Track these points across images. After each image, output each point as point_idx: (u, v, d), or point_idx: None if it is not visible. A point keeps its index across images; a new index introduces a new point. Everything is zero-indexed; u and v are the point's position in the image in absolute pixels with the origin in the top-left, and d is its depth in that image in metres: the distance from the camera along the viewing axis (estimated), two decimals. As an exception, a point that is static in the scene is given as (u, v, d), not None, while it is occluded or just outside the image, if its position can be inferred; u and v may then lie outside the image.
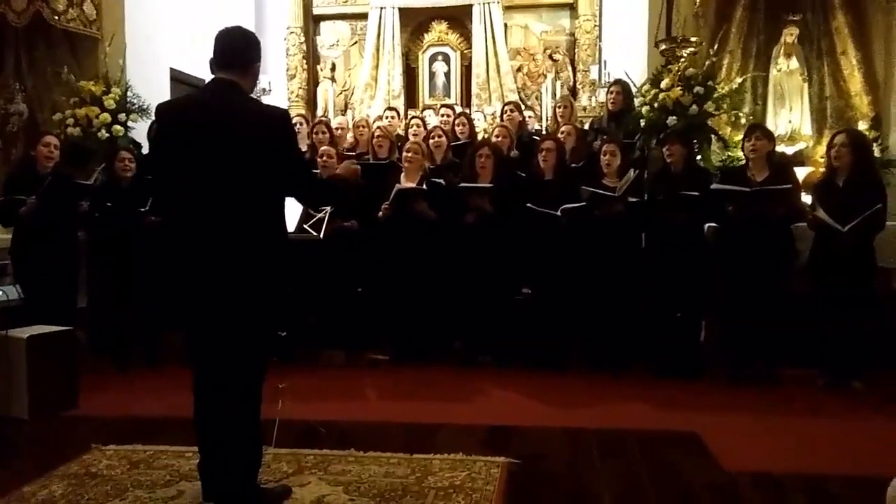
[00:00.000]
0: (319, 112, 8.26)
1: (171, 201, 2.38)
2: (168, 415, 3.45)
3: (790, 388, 4.18)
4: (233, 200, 2.34)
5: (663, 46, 5.21)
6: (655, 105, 5.14)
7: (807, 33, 5.42)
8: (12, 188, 4.65)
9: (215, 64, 2.43)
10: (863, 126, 5.21)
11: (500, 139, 5.24)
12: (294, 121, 6.25)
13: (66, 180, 4.73)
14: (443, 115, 6.30)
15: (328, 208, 3.91)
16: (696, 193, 4.28)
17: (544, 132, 6.62)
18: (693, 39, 5.22)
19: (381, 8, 8.27)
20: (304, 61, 8.48)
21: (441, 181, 4.82)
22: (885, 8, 5.31)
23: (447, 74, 8.36)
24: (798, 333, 4.25)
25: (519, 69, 8.33)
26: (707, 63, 5.22)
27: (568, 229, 4.52)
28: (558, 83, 7.85)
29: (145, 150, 5.47)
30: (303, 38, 8.47)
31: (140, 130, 5.73)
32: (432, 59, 8.39)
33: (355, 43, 8.72)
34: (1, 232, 4.95)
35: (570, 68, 8.18)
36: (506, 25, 8.23)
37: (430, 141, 5.36)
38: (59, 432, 3.50)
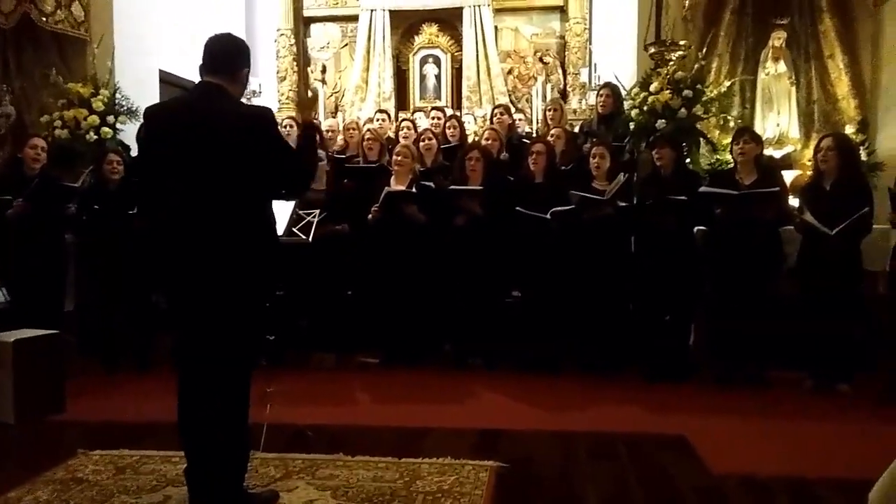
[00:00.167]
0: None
1: (159, 204, 2.37)
2: (156, 419, 3.42)
3: (778, 390, 4.20)
4: (221, 202, 2.34)
5: (652, 50, 5.24)
6: (645, 108, 5.17)
7: (794, 37, 5.46)
8: (-1, 190, 4.62)
9: (204, 69, 2.45)
10: (850, 130, 5.25)
11: (489, 142, 5.25)
12: (284, 123, 6.24)
13: (53, 182, 4.71)
14: (433, 118, 6.30)
15: (316, 212, 3.90)
16: (684, 198, 4.30)
17: (534, 135, 6.63)
18: (682, 43, 5.25)
19: (372, 10, 8.26)
20: (295, 63, 8.46)
21: (431, 184, 4.82)
22: (872, 12, 5.36)
23: (438, 77, 8.36)
24: (786, 336, 4.27)
25: (509, 72, 8.35)
26: (696, 66, 5.25)
27: (558, 232, 4.53)
28: (548, 86, 7.86)
29: (134, 153, 5.44)
30: (293, 40, 8.45)
31: (129, 133, 5.71)
32: (423, 61, 8.39)
33: (346, 45, 8.71)
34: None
35: (560, 71, 8.20)
36: (496, 28, 8.25)
37: (421, 144, 5.36)
38: (45, 437, 3.48)
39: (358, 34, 8.38)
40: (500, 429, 3.50)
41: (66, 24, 5.87)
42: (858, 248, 4.15)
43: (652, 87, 5.15)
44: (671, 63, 5.18)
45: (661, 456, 3.15)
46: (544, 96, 7.46)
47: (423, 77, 8.38)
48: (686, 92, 5.10)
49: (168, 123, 2.42)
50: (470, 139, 6.14)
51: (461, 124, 6.01)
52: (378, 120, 6.39)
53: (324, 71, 8.62)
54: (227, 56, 2.45)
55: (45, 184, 4.62)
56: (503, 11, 8.33)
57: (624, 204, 4.51)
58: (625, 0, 6.61)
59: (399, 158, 4.82)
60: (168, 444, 3.02)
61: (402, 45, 8.50)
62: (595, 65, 7.41)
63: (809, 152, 4.77)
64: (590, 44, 8.00)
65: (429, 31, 8.42)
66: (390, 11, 8.25)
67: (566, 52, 8.13)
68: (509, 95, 8.10)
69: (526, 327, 4.70)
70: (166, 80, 7.09)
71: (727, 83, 5.41)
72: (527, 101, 8.10)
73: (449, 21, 8.38)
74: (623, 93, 5.50)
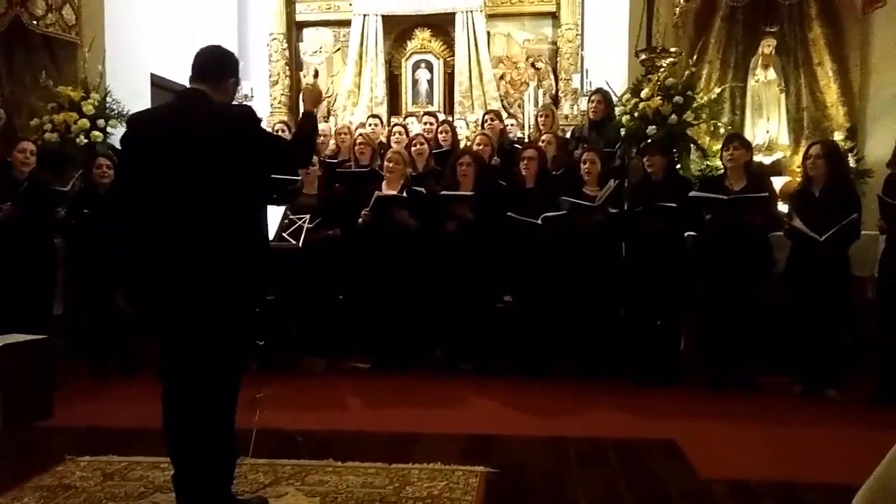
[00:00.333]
0: (302, 119, 8.23)
1: (144, 210, 2.37)
2: (144, 424, 3.39)
3: (767, 395, 4.22)
4: (207, 207, 2.34)
5: (643, 56, 5.27)
6: (635, 114, 5.18)
7: (784, 44, 5.50)
8: (-12, 194, 4.59)
9: (191, 78, 2.49)
10: (839, 136, 5.28)
11: (481, 147, 5.26)
12: (276, 127, 6.24)
13: (42, 186, 4.68)
14: (425, 123, 6.31)
15: (307, 217, 3.89)
16: (673, 204, 4.32)
17: (526, 140, 6.65)
18: (673, 50, 5.28)
19: (364, 15, 8.26)
20: (287, 68, 8.45)
21: (422, 189, 4.82)
22: (861, 19, 5.40)
23: (430, 82, 8.36)
24: (775, 341, 4.30)
25: (502, 77, 8.37)
26: (686, 73, 5.27)
27: (549, 238, 4.54)
28: (541, 91, 7.89)
29: (123, 157, 5.42)
30: (285, 45, 8.44)
31: (119, 137, 5.67)
32: (415, 66, 8.39)
33: (338, 50, 8.70)
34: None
35: (552, 76, 8.22)
36: (489, 33, 8.26)
37: (413, 149, 5.36)
38: (32, 443, 3.46)
39: (350, 39, 8.37)
40: (491, 434, 3.50)
41: (57, 28, 5.84)
42: (847, 254, 4.18)
43: (643, 94, 5.17)
44: (662, 70, 5.20)
45: (652, 461, 3.16)
46: (536, 102, 7.48)
47: (415, 82, 8.38)
48: (677, 98, 5.12)
49: (151, 129, 2.44)
50: (462, 144, 6.14)
51: (453, 129, 6.02)
52: (370, 125, 6.40)
53: (316, 75, 8.58)
54: (213, 64, 2.49)
55: (34, 188, 4.60)
56: (496, 17, 8.35)
57: (614, 210, 4.53)
58: (616, 7, 6.64)
59: (391, 165, 4.81)
60: (156, 449, 2.98)
61: (395, 50, 8.51)
62: (587, 71, 7.43)
63: (799, 159, 4.80)
64: (582, 50, 8.02)
65: (421, 37, 8.43)
66: (383, 16, 8.25)
67: (558, 58, 8.15)
68: (501, 101, 8.11)
69: (517, 332, 4.72)
70: (158, 84, 7.06)
71: (717, 90, 5.44)
72: (519, 106, 8.11)
73: (441, 26, 8.39)
74: (614, 99, 5.52)
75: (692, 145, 5.25)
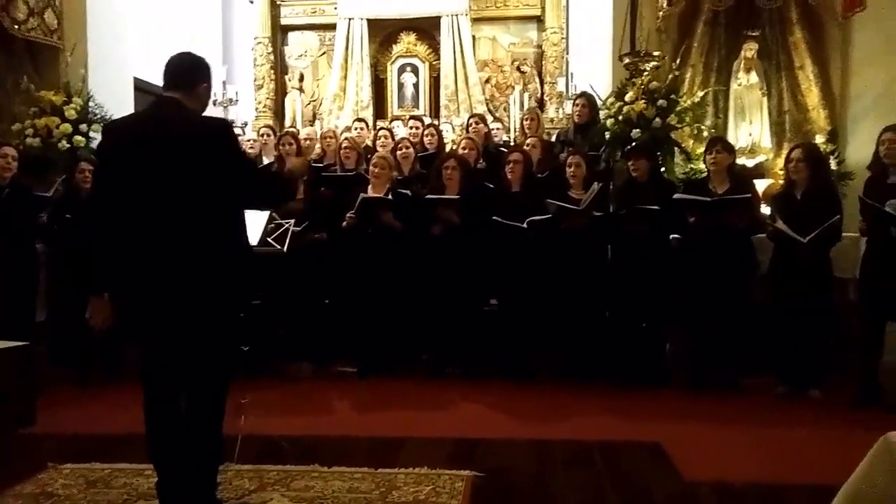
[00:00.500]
0: (287, 122, 8.21)
1: (121, 217, 2.37)
2: (128, 431, 3.36)
3: (751, 396, 4.25)
4: (183, 213, 2.35)
5: (627, 60, 5.29)
6: (620, 117, 5.22)
7: (766, 48, 5.56)
8: (-31, 200, 4.54)
9: (164, 87, 2.51)
10: (820, 139, 5.34)
11: (466, 151, 5.27)
12: (261, 132, 6.22)
13: (24, 191, 4.64)
14: (411, 127, 6.32)
15: (292, 221, 3.88)
16: (656, 207, 4.35)
17: (512, 143, 6.67)
18: (656, 54, 5.31)
19: (350, 19, 8.25)
20: (272, 71, 8.42)
21: (407, 192, 4.82)
22: (841, 23, 5.46)
23: (416, 85, 8.37)
24: (759, 342, 4.33)
25: (487, 80, 8.38)
26: (670, 77, 5.31)
27: (534, 241, 4.55)
28: (526, 95, 7.91)
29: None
30: (271, 49, 8.41)
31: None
32: (401, 70, 8.40)
33: (324, 53, 8.69)
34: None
35: (537, 80, 8.24)
36: (474, 37, 8.27)
37: (398, 152, 5.36)
38: (14, 450, 3.41)
39: (336, 43, 8.36)
40: (477, 438, 3.50)
41: (39, 32, 5.79)
42: (828, 256, 4.22)
43: (627, 97, 5.21)
44: (646, 73, 5.24)
45: (637, 463, 3.18)
46: (522, 105, 7.50)
47: (401, 86, 8.38)
48: (660, 102, 5.16)
49: (125, 138, 2.45)
50: (448, 148, 6.15)
51: (439, 133, 6.03)
52: (356, 129, 6.40)
53: (301, 79, 8.60)
54: (184, 71, 2.51)
55: (16, 193, 4.56)
56: (481, 21, 8.37)
57: (599, 213, 4.55)
58: (600, 11, 6.67)
59: (376, 171, 4.81)
60: (140, 456, 2.95)
61: (380, 54, 8.50)
62: (571, 74, 7.46)
63: (781, 161, 4.85)
64: (566, 53, 8.06)
65: (407, 40, 8.44)
66: (368, 20, 8.25)
67: (543, 62, 8.18)
68: (487, 104, 8.13)
69: (503, 336, 4.72)
70: (142, 88, 7.02)
71: (700, 93, 5.48)
72: (504, 109, 8.13)
73: (427, 30, 8.40)
74: (599, 102, 5.55)
75: (676, 148, 5.28)
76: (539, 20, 8.30)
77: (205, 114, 2.57)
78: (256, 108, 8.35)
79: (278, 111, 8.43)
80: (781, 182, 4.71)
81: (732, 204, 4.26)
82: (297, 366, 4.83)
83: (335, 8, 8.32)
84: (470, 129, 5.90)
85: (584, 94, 5.71)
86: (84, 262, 3.35)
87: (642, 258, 4.50)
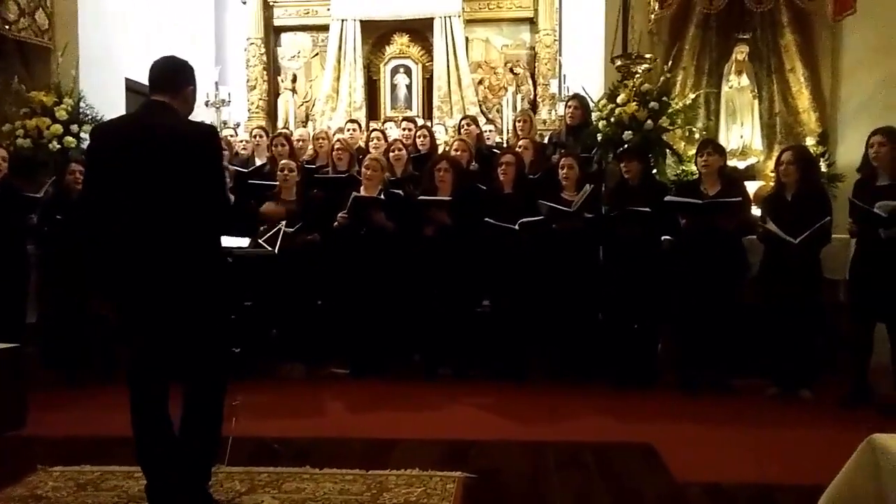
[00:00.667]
0: (280, 123, 8.21)
1: (109, 219, 2.37)
2: (119, 433, 3.34)
3: (742, 397, 4.26)
4: (171, 216, 2.36)
5: (619, 62, 5.31)
6: (612, 119, 5.22)
7: (757, 51, 5.58)
8: (-41, 201, 4.52)
9: (150, 89, 2.52)
10: (810, 142, 5.37)
11: (459, 153, 5.27)
12: (254, 133, 6.21)
13: (14, 192, 4.63)
14: (404, 128, 6.32)
15: (283, 222, 3.88)
16: (648, 209, 4.37)
17: (505, 145, 6.67)
18: (648, 56, 5.33)
19: (343, 20, 8.26)
20: (265, 72, 8.42)
21: (399, 192, 4.82)
22: (831, 26, 5.49)
23: (409, 87, 8.38)
24: (750, 343, 4.35)
25: (480, 82, 8.40)
26: (661, 79, 5.33)
27: (526, 243, 4.56)
28: (519, 96, 7.93)
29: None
30: (263, 50, 8.41)
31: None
32: (394, 71, 8.41)
33: (316, 55, 8.69)
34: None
35: (530, 82, 8.27)
36: (467, 39, 8.30)
37: (391, 154, 5.36)
38: (4, 453, 3.39)
39: (329, 44, 8.36)
40: (469, 439, 3.50)
41: (30, 32, 5.77)
42: (818, 257, 4.24)
43: (619, 99, 5.22)
44: (637, 76, 5.25)
45: (629, 464, 3.18)
46: (515, 107, 7.52)
47: (393, 87, 8.40)
48: (652, 104, 5.17)
49: (113, 140, 2.46)
50: (441, 149, 6.16)
51: (432, 134, 6.03)
52: (348, 130, 6.38)
53: (294, 80, 8.60)
54: (169, 75, 2.52)
55: (6, 194, 4.54)
56: (474, 22, 8.39)
57: (591, 215, 4.56)
58: (593, 13, 6.70)
59: (369, 172, 4.80)
60: (131, 459, 2.94)
61: (373, 55, 8.51)
62: (564, 76, 7.49)
63: (772, 164, 4.86)
64: (559, 55, 8.08)
65: (400, 42, 8.45)
66: (361, 22, 8.26)
67: (536, 64, 8.21)
68: (480, 106, 8.14)
69: (495, 337, 4.73)
70: (133, 88, 7.00)
71: (692, 96, 5.51)
72: (497, 111, 8.15)
73: (420, 31, 8.41)
74: (591, 104, 5.56)
75: (668, 150, 5.30)
76: (532, 22, 8.33)
77: (197, 115, 2.58)
78: (249, 109, 8.35)
79: (271, 112, 8.42)
80: (772, 184, 4.74)
81: (723, 206, 4.27)
82: (288, 367, 4.82)
83: (328, 9, 8.33)
84: (462, 130, 5.91)
85: (576, 96, 5.72)
86: (78, 262, 3.37)
87: (634, 260, 4.52)
